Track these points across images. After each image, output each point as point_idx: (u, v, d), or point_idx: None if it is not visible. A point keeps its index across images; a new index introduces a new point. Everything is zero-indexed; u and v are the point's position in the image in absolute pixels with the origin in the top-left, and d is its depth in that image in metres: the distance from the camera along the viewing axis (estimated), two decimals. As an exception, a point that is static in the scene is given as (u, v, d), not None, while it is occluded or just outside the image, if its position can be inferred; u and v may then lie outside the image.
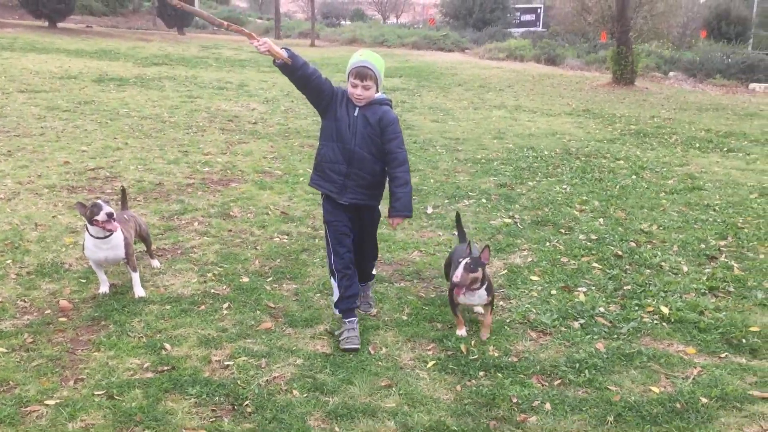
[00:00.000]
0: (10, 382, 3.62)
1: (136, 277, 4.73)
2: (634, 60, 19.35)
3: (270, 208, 6.80)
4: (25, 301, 4.56)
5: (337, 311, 4.34)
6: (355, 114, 4.08)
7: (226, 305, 4.61)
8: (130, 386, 3.61)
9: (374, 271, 4.76)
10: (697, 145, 10.79)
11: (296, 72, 3.92)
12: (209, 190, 7.35)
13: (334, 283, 4.28)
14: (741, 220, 6.70)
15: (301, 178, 7.95)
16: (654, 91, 18.81)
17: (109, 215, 4.42)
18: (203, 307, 4.58)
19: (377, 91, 4.10)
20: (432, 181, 8.10)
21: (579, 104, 15.37)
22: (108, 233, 4.48)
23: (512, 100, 15.60)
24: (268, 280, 5.08)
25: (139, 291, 4.70)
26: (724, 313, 4.64)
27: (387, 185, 4.30)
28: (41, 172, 7.55)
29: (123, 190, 5.28)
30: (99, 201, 4.49)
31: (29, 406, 3.41)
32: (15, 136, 9.26)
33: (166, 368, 3.80)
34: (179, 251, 5.57)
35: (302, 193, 7.36)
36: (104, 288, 4.72)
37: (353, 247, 4.29)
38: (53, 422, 3.29)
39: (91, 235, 4.51)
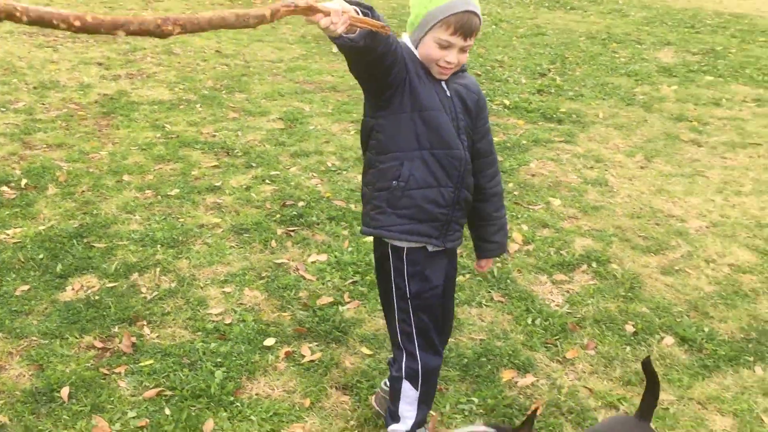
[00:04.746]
0: (67, 143, 5.23)
1: None
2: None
3: (204, 48, 8.31)
4: (44, 104, 6.04)
5: None
6: (448, 93, 2.23)
7: (198, 105, 6.29)
8: (153, 145, 5.32)
9: None
10: (546, 4, 12.96)
11: (378, 50, 1.95)
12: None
13: (406, 406, 2.48)
14: (568, 53, 8.94)
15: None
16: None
17: None
18: (182, 107, 6.24)
19: None
20: (333, 30, 9.79)
21: None
22: None
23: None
24: (223, 92, 6.75)
25: None
26: (544, 103, 6.85)
27: None
28: (-8, 22, 8.58)
29: None
30: None
31: (90, 154, 5.07)
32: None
33: (172, 137, 5.51)
34: (145, 75, 7.09)
35: (227, 39, 8.85)
36: None
37: None
38: (112, 159, 4.99)
39: None
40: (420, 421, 2.53)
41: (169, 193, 4.54)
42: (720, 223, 4.53)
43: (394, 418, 2.53)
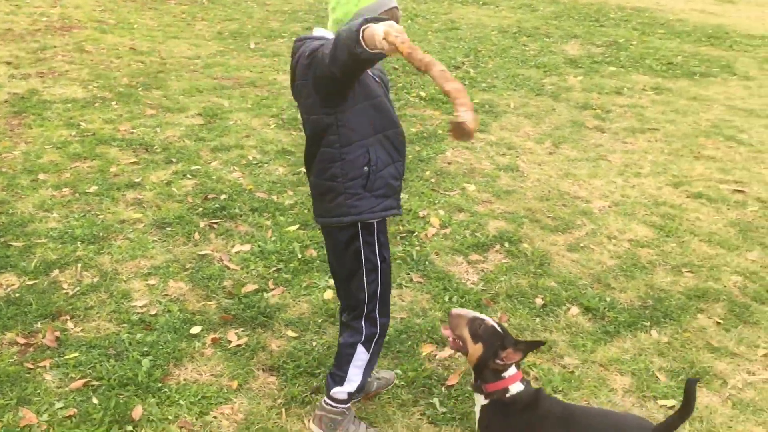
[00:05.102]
0: (-23, 145, 5.10)
1: None
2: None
3: (118, 46, 8.16)
4: (-51, 104, 5.84)
5: (340, 406, 2.68)
6: (377, 80, 2.49)
7: (114, 103, 6.21)
8: (68, 144, 5.24)
9: None
10: (459, 0, 13.31)
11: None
12: (57, 33, 8.47)
13: (355, 369, 2.64)
14: (481, 47, 9.25)
15: (135, 26, 9.24)
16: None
17: None
18: (97, 104, 6.15)
19: None
20: (250, 26, 9.76)
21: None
22: None
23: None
24: (139, 89, 6.67)
25: None
26: (459, 94, 7.09)
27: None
28: None
29: None
30: None
31: (2, 154, 4.96)
32: None
33: (88, 135, 5.44)
34: (57, 73, 6.92)
35: (140, 36, 8.72)
36: None
37: None
38: (26, 159, 4.90)
39: None
40: (361, 387, 2.67)
41: (87, 191, 4.50)
42: (621, 202, 4.85)
43: (339, 381, 2.64)
